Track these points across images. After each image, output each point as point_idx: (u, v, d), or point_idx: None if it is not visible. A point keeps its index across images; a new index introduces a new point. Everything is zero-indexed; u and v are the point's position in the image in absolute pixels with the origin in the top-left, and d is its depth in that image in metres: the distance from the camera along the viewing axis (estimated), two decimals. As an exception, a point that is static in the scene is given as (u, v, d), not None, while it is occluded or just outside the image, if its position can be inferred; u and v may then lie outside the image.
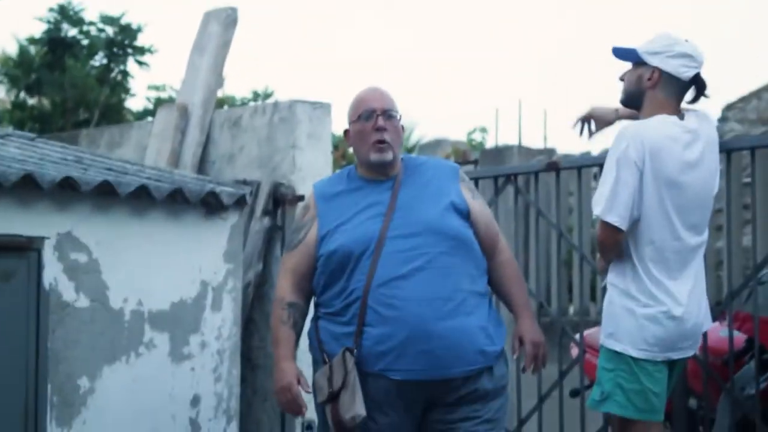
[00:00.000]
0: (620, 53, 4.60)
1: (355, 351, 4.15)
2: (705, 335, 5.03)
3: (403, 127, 4.57)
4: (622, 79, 4.62)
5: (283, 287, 4.42)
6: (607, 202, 4.35)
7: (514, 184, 6.46)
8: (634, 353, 4.36)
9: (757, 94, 14.48)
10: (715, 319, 6.07)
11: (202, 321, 6.30)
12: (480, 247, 4.37)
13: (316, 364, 4.35)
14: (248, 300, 7.06)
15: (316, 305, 4.42)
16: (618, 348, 4.39)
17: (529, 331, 4.47)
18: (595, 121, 4.92)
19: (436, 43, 43.67)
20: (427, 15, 44.94)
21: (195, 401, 6.26)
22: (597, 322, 7.30)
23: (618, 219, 4.33)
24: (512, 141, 12.18)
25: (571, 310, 12.73)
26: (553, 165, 6.20)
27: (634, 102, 4.59)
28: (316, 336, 4.33)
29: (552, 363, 5.52)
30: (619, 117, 4.84)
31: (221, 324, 6.38)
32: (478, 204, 4.45)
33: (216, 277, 6.36)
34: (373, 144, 4.36)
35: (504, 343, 4.35)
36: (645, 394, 4.37)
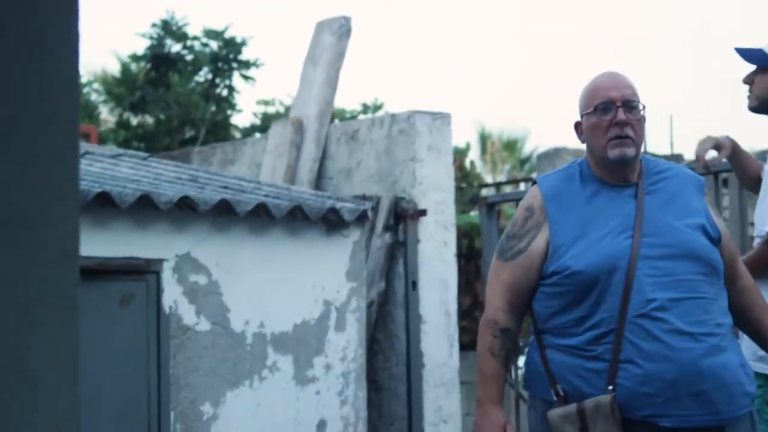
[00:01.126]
0: (747, 55, 4.30)
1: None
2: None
3: (644, 119, 3.81)
4: (748, 82, 4.32)
5: (497, 307, 3.70)
6: None
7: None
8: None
9: None
10: None
11: (326, 342, 6.15)
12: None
13: (542, 404, 3.66)
14: (372, 319, 6.87)
15: (541, 332, 3.68)
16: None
17: None
18: (720, 149, 4.55)
19: (550, 48, 43.37)
20: (539, 20, 44.69)
21: (321, 426, 6.11)
22: None
23: None
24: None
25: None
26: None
27: (766, 108, 4.30)
28: (545, 369, 3.61)
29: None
30: (732, 145, 4.53)
31: (346, 345, 6.21)
32: (720, 223, 3.81)
33: (339, 296, 6.20)
34: (611, 139, 3.67)
35: (755, 384, 3.77)
36: None
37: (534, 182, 3.83)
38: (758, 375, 4.16)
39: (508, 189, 12.67)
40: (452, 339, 6.80)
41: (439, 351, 6.72)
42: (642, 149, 3.76)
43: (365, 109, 17.52)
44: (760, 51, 4.28)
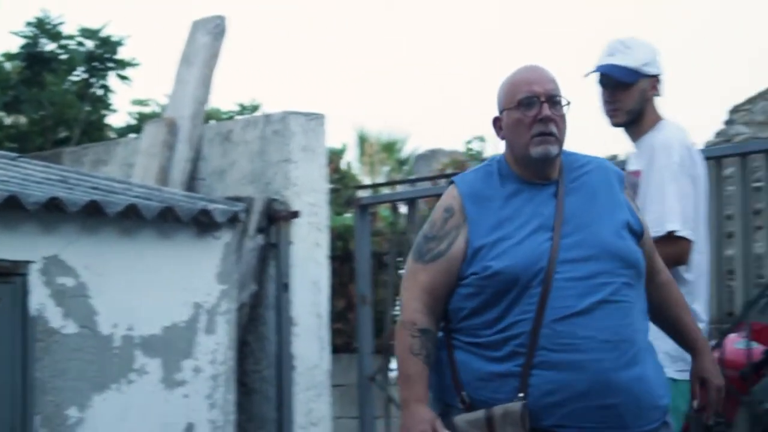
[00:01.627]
0: (619, 73, 4.37)
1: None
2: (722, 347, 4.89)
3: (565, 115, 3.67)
4: (612, 100, 4.39)
5: (414, 309, 3.56)
6: (680, 216, 4.13)
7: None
8: (677, 375, 4.09)
9: (763, 95, 14.33)
10: (730, 330, 5.91)
11: (196, 345, 6.10)
12: None
13: (442, 405, 3.56)
14: (243, 322, 6.84)
15: (451, 330, 3.57)
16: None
17: (714, 373, 3.74)
18: None
19: (431, 50, 43.60)
20: (421, 22, 44.92)
21: (189, 429, 6.08)
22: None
23: (691, 233, 4.15)
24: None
25: None
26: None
27: (634, 120, 4.40)
28: (452, 371, 3.52)
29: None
30: None
31: (215, 348, 6.18)
32: (643, 217, 3.70)
33: (209, 298, 6.17)
34: (534, 137, 3.52)
35: (669, 397, 3.64)
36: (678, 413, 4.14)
37: (451, 182, 3.70)
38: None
39: (386, 191, 12.70)
40: (324, 341, 6.80)
41: (310, 353, 6.72)
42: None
43: (242, 109, 17.43)
44: (631, 69, 4.36)
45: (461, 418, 3.44)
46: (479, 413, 3.41)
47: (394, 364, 8.97)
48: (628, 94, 4.37)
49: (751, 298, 5.73)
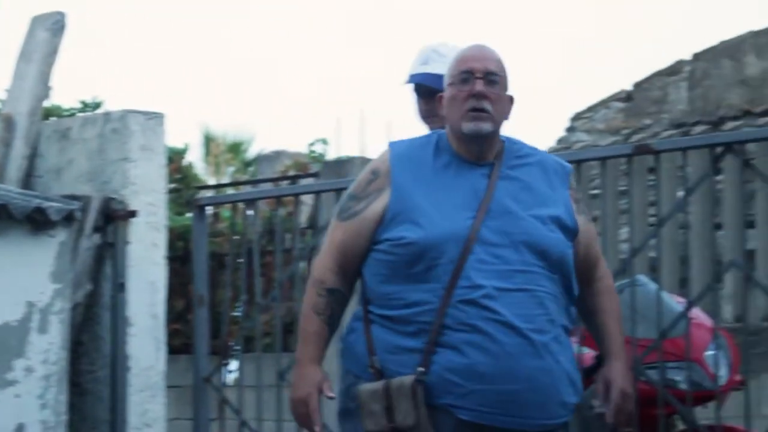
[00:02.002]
0: (434, 82, 4.42)
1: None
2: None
3: (512, 99, 3.63)
4: (429, 115, 4.48)
5: (325, 266, 3.54)
6: None
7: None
8: None
9: (604, 103, 14.61)
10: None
11: (28, 344, 6.00)
12: (576, 270, 3.58)
13: (351, 377, 3.57)
14: (77, 322, 6.75)
15: (366, 300, 3.55)
16: None
17: (621, 377, 3.70)
18: None
19: (277, 51, 43.45)
20: (268, 23, 44.74)
21: (19, 430, 5.96)
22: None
23: None
24: (355, 153, 12.09)
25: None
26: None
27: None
28: (367, 343, 3.50)
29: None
30: None
31: (48, 348, 6.08)
32: (583, 219, 3.65)
33: (43, 297, 6.07)
34: (467, 111, 3.50)
35: (581, 393, 3.63)
36: None
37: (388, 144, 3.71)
38: None
39: (231, 191, 12.65)
40: (159, 342, 6.74)
41: (146, 354, 6.66)
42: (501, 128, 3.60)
43: (84, 107, 17.20)
44: (442, 77, 4.43)
45: (363, 388, 3.44)
46: (379, 384, 3.41)
47: (231, 366, 8.95)
48: (433, 103, 4.46)
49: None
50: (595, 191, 8.50)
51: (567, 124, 14.62)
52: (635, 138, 11.71)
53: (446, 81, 3.63)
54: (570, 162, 4.84)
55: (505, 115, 3.60)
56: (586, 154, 5.56)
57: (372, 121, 47.18)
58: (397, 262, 3.44)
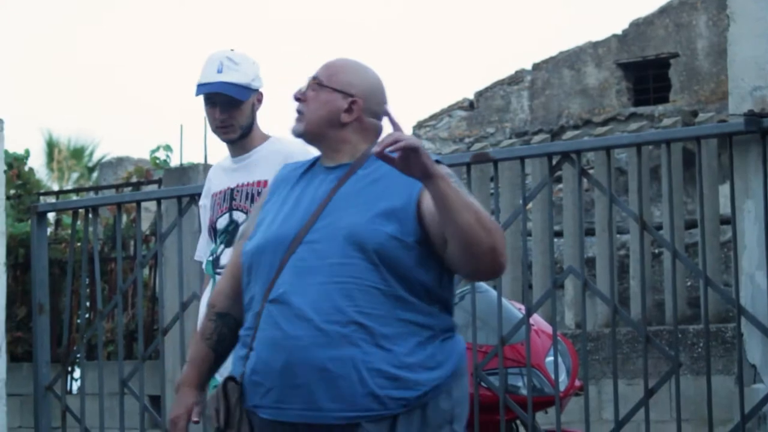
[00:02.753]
0: (233, 91, 4.50)
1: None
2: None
3: (356, 104, 3.52)
4: (226, 119, 4.55)
5: (218, 290, 3.59)
6: None
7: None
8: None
9: (447, 111, 14.76)
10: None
11: None
12: (436, 249, 3.34)
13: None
14: None
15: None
16: None
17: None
18: None
19: (120, 55, 42.84)
20: (109, 25, 44.10)
21: None
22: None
23: None
24: (198, 160, 11.98)
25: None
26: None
27: (244, 135, 4.59)
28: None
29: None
30: None
31: None
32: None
33: None
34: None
35: (424, 390, 3.34)
36: None
37: None
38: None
39: (74, 197, 12.42)
40: (-1, 351, 6.61)
41: (-16, 363, 6.51)
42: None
43: (-77, 111, 16.80)
44: (239, 86, 4.46)
45: (210, 397, 3.46)
46: (216, 389, 3.41)
47: (76, 374, 8.82)
48: (241, 110, 4.49)
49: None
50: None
51: (410, 131, 14.73)
52: (477, 146, 11.85)
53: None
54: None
55: (319, 115, 3.52)
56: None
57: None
58: (245, 273, 3.47)
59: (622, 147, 6.90)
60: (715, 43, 12.87)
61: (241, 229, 3.67)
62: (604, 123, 12.85)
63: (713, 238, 6.94)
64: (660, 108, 12.91)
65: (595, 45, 13.80)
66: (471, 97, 14.68)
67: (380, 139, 3.30)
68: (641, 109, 13.15)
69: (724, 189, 7.33)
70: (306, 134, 3.54)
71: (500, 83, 14.48)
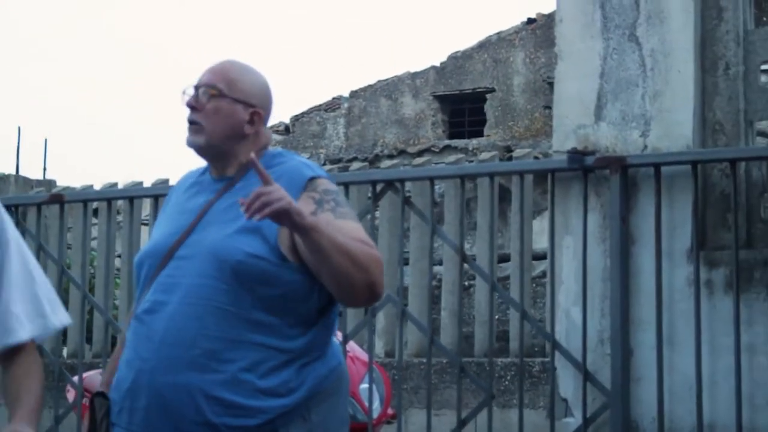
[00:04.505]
0: None
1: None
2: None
3: (258, 115, 3.38)
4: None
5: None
6: None
7: (14, 216, 6.10)
8: None
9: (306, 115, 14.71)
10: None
11: None
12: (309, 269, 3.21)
13: None
14: None
15: None
16: None
17: None
18: None
19: None
20: None
21: None
22: (92, 365, 7.06)
23: None
24: (9, 170, 11.63)
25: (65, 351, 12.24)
26: (58, 197, 6.00)
27: None
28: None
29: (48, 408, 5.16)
30: None
31: None
32: (317, 218, 3.22)
33: None
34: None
35: (267, 417, 3.20)
36: None
37: None
38: None
39: None
40: None
41: None
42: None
43: None
44: None
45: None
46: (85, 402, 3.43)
47: None
48: None
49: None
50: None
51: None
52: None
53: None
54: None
55: (219, 126, 3.36)
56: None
57: (29, 138, 45.92)
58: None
59: (445, 178, 6.93)
60: (530, 80, 13.14)
61: None
62: (420, 154, 12.96)
63: (526, 273, 7.02)
64: (474, 141, 13.10)
65: (413, 75, 13.93)
66: (287, 121, 14.65)
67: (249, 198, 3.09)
68: (456, 142, 13.32)
69: (535, 225, 7.46)
70: (206, 148, 3.35)
71: (317, 108, 14.51)
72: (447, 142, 13.26)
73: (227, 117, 3.35)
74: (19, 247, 2.98)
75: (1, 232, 2.93)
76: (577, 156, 5.07)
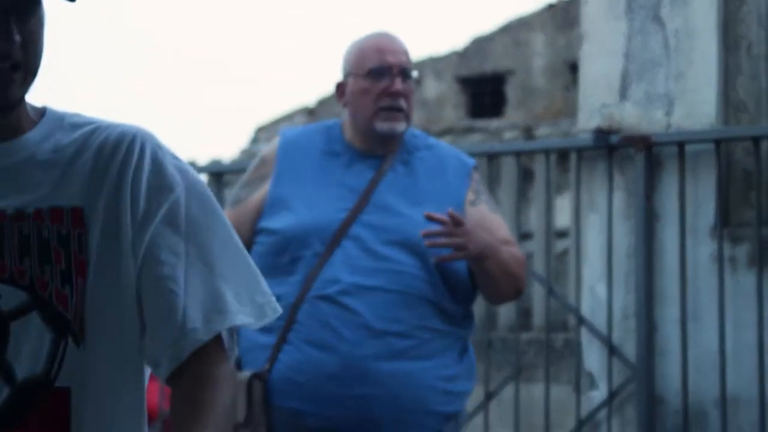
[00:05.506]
0: None
1: (268, 373, 3.08)
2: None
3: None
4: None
5: None
6: None
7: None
8: None
9: (289, 116, 14.78)
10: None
11: None
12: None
13: None
14: None
15: None
16: None
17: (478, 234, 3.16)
18: None
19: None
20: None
21: None
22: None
23: None
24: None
25: None
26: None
27: None
28: (234, 338, 3.18)
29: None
30: None
31: None
32: (477, 211, 3.26)
33: None
34: (380, 110, 3.21)
35: (465, 400, 3.28)
36: None
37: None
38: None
39: None
40: None
41: None
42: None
43: None
44: None
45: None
46: (239, 383, 3.12)
47: None
48: None
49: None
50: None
51: (252, 135, 14.71)
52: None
53: (351, 70, 3.30)
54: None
55: (412, 111, 3.32)
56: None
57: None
58: (264, 253, 3.16)
59: (473, 156, 7.00)
60: (550, 62, 13.20)
61: (240, 193, 3.30)
62: (442, 134, 13.05)
63: (551, 250, 7.10)
64: (495, 122, 13.18)
65: (434, 60, 14.01)
66: (311, 104, 14.73)
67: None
68: (477, 122, 13.40)
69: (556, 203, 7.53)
70: (401, 135, 3.26)
71: (340, 91, 14.57)
72: (469, 122, 13.35)
73: (412, 99, 3.29)
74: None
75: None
76: (602, 135, 5.14)
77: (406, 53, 3.28)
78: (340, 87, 3.34)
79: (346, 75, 3.32)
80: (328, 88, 14.33)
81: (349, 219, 3.10)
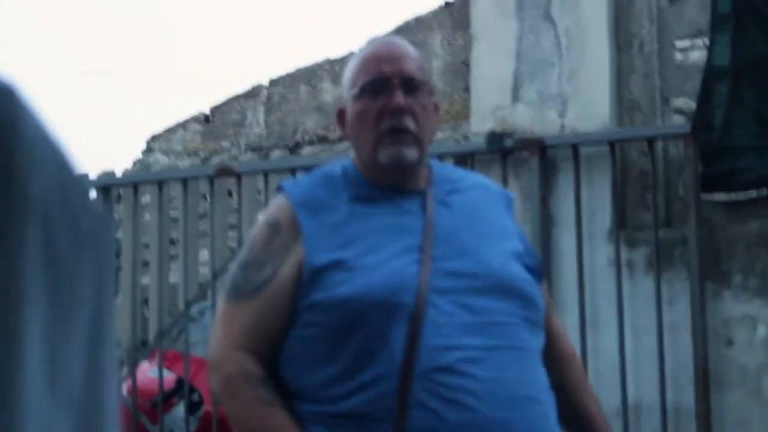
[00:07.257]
0: None
1: None
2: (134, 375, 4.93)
3: (437, 106, 2.63)
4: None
5: (239, 358, 2.46)
6: None
7: None
8: None
9: (183, 125, 14.55)
10: (143, 358, 5.93)
11: None
12: None
13: None
14: None
15: (290, 397, 2.47)
16: None
17: None
18: None
19: None
20: None
21: None
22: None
23: None
24: None
25: None
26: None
27: None
28: None
29: None
30: None
31: None
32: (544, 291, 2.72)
33: None
34: (381, 134, 2.50)
35: None
36: None
37: (280, 188, 2.64)
38: None
39: None
40: None
41: None
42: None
43: None
44: None
45: None
46: None
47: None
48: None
49: (165, 326, 5.76)
50: (175, 213, 8.41)
51: (144, 145, 14.47)
52: (214, 160, 11.71)
53: (347, 89, 2.57)
54: (152, 183, 4.74)
55: (432, 132, 2.61)
56: (168, 174, 5.46)
57: None
58: (327, 335, 2.45)
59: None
60: (449, 63, 13.07)
61: (255, 276, 2.54)
62: (341, 140, 12.88)
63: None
64: (395, 126, 13.07)
65: (332, 62, 13.84)
66: (206, 110, 14.52)
67: None
68: (377, 127, 13.29)
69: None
70: (417, 164, 2.57)
71: (236, 98, 14.36)
72: (368, 127, 13.23)
73: (432, 118, 2.61)
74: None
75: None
76: (495, 138, 5.03)
77: (410, 59, 2.57)
78: (340, 115, 2.65)
79: (346, 98, 2.61)
80: (221, 95, 14.10)
81: (425, 271, 2.43)
